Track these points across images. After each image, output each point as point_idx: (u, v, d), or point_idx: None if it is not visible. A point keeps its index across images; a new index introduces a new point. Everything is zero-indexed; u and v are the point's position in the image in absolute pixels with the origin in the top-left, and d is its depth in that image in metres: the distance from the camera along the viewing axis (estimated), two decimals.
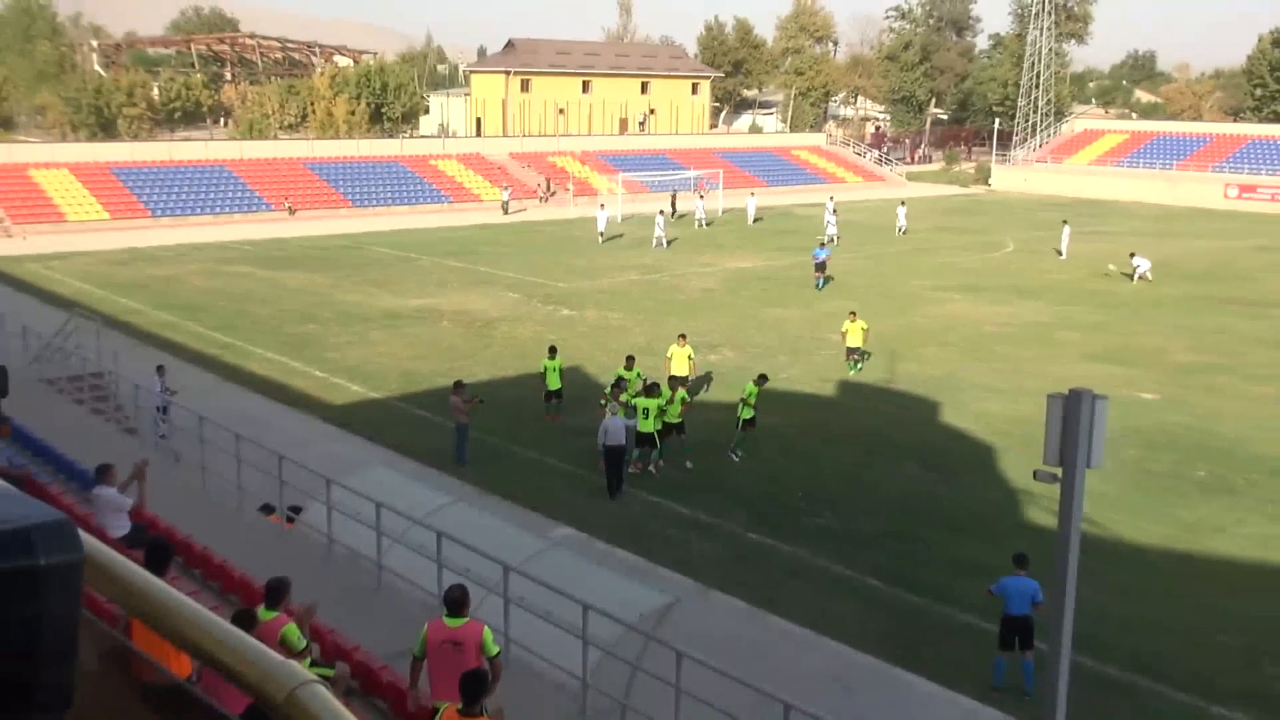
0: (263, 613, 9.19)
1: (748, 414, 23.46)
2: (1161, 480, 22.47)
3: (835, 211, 57.69)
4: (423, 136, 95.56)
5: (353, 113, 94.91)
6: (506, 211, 66.34)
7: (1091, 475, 8.76)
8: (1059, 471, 9.13)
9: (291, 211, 63.79)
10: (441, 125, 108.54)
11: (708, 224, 60.32)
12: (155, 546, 9.74)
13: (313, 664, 9.38)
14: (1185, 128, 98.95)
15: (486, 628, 9.59)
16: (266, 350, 32.13)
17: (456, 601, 9.65)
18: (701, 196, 63.59)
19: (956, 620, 16.31)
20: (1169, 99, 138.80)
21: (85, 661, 1.83)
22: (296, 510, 15.77)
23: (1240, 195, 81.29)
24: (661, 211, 57.22)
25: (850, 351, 30.19)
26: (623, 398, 22.71)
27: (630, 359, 25.57)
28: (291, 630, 9.07)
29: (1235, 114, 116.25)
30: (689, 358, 26.35)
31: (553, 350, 26.52)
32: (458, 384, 23.55)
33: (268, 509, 16.23)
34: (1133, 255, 46.58)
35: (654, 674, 10.69)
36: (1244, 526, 20.10)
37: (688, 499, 20.98)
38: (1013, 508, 20.93)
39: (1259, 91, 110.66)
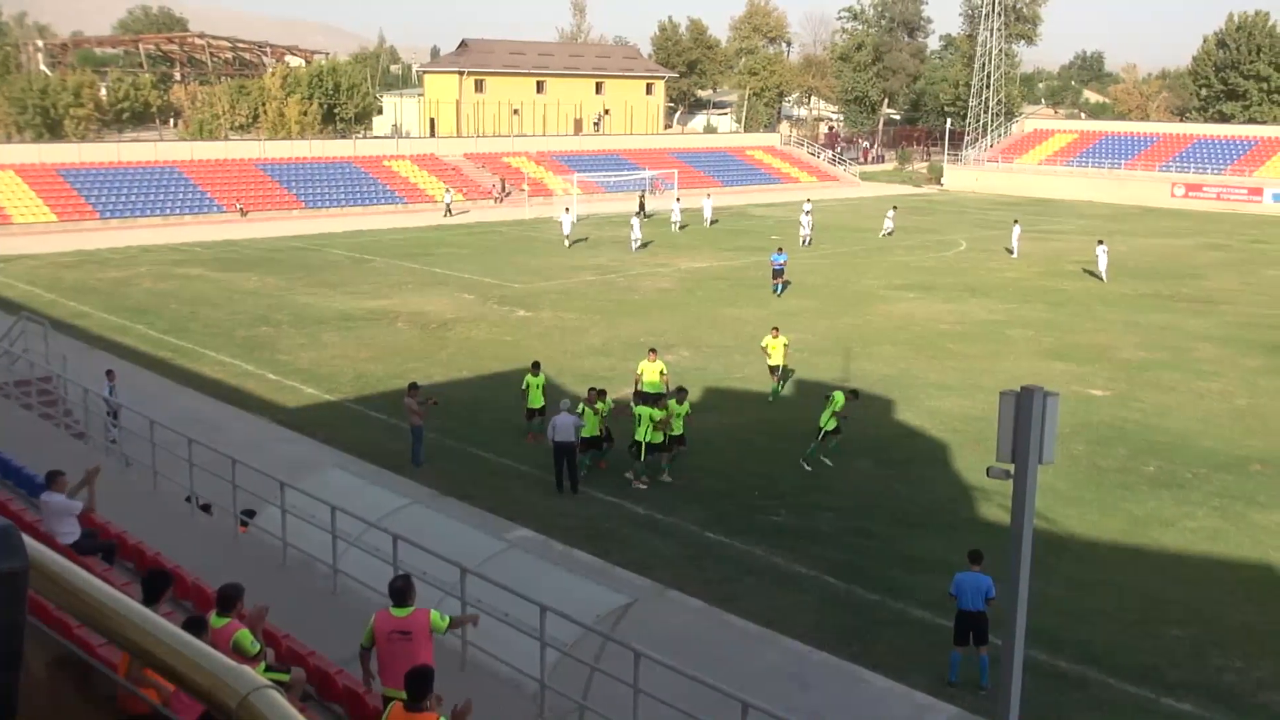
0: (214, 619, 9.09)
1: (830, 424, 22.60)
2: (1111, 475, 22.77)
3: (810, 214, 57.52)
4: (376, 137, 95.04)
5: (305, 113, 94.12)
6: (450, 213, 65.68)
7: (1043, 471, 8.86)
8: (1011, 467, 9.23)
9: (243, 213, 63.19)
10: (395, 126, 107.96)
11: (682, 226, 59.67)
12: (154, 575, 9.56)
13: (268, 669, 9.29)
14: (1133, 128, 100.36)
15: (433, 611, 9.73)
16: (219, 353, 31.81)
17: (400, 591, 9.75)
18: (678, 199, 63.32)
19: (911, 615, 16.44)
20: (1117, 99, 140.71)
21: (33, 669, 1.81)
22: (250, 514, 15.61)
23: (1187, 194, 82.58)
24: (638, 214, 56.87)
25: (772, 370, 28.35)
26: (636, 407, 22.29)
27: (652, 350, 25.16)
28: (244, 636, 8.98)
29: (1181, 114, 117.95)
30: (661, 373, 25.12)
31: (536, 366, 25.32)
32: (413, 386, 23.43)
33: (206, 509, 16.07)
34: (1100, 242, 47.39)
35: (612, 674, 10.69)
36: (1192, 520, 20.42)
37: (644, 499, 21.01)
38: (966, 503, 21.13)
39: (1204, 92, 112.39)
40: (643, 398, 23.54)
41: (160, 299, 39.42)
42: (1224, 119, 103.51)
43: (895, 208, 62.82)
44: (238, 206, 63.65)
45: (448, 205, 66.17)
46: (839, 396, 22.79)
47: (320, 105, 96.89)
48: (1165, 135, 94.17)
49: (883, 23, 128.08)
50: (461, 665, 11.54)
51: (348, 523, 13.49)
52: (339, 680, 10.31)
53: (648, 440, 21.55)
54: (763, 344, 28.45)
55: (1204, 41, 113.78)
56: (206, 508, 16.14)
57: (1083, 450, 23.84)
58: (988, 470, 9.88)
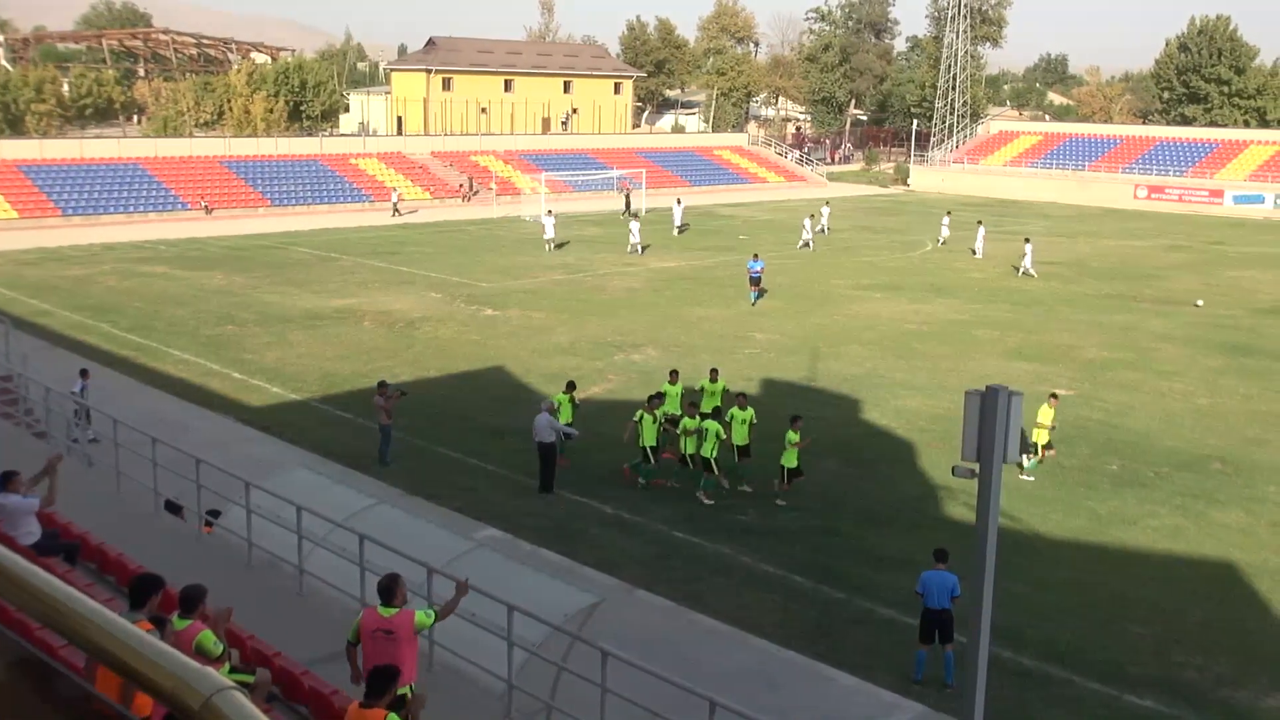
0: (177, 621, 9.01)
1: (793, 461, 21.21)
2: (1075, 474, 22.97)
3: (813, 217, 57.22)
4: (343, 135, 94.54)
5: (271, 110, 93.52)
6: (397, 213, 64.83)
7: (1008, 470, 8.92)
8: (977, 466, 9.29)
9: (208, 211, 62.69)
10: (362, 124, 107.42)
11: (681, 229, 58.79)
12: (142, 580, 9.40)
13: (232, 670, 9.22)
14: (1096, 130, 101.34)
15: (419, 611, 9.75)
16: (183, 352, 31.54)
17: (384, 590, 9.76)
18: (679, 200, 62.62)
19: (878, 614, 16.53)
20: (1080, 101, 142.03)
21: None
22: (215, 514, 15.49)
23: (1149, 196, 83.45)
24: (636, 216, 55.97)
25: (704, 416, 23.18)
26: (659, 411, 21.87)
27: (674, 374, 23.98)
28: (207, 637, 8.91)
29: (1144, 116, 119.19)
30: (679, 395, 23.43)
31: (570, 385, 23.76)
32: (382, 384, 23.33)
33: (173, 508, 15.91)
34: (1026, 241, 48.17)
35: (579, 674, 10.69)
36: (1154, 518, 20.63)
37: (612, 498, 21.01)
38: (932, 502, 21.26)
39: (1166, 95, 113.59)
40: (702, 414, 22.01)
41: (123, 297, 39.04)
42: (1186, 122, 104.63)
43: (828, 203, 63.49)
44: (203, 204, 63.13)
45: (394, 205, 65.50)
46: (792, 434, 21.19)
47: (286, 103, 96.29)
48: (1128, 138, 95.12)
49: (850, 24, 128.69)
50: (429, 665, 11.50)
51: (314, 523, 13.42)
52: (305, 681, 10.24)
53: (695, 454, 21.26)
54: (699, 385, 24.28)
55: (1166, 45, 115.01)
56: (177, 509, 15.99)
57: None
58: (953, 469, 9.94)
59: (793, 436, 20.94)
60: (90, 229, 56.37)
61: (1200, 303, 39.80)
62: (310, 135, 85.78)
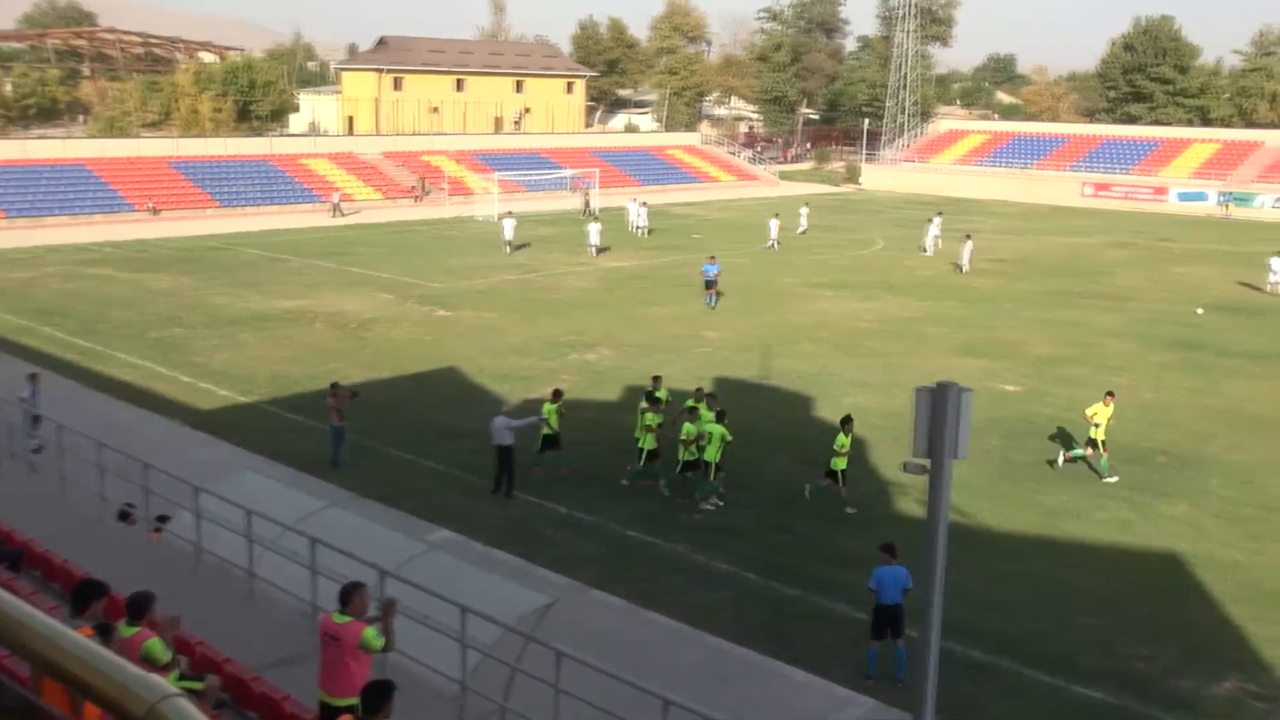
0: (124, 628, 8.91)
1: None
2: (1024, 469, 23.25)
3: (778, 216, 56.95)
4: (292, 135, 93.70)
5: (219, 110, 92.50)
6: (338, 214, 64.04)
7: (958, 465, 9.02)
8: (927, 463, 9.36)
9: (155, 212, 61.87)
10: (312, 124, 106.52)
11: (648, 231, 58.53)
12: (85, 586, 9.24)
13: (181, 677, 9.13)
14: (1043, 128, 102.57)
15: (369, 628, 9.58)
16: (129, 355, 31.12)
17: (342, 596, 9.76)
18: (644, 204, 62.00)
19: (831, 610, 16.64)
20: (1028, 100, 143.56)
21: None
22: (163, 519, 15.31)
23: (1095, 193, 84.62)
24: (595, 217, 55.26)
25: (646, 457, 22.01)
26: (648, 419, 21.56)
27: (657, 379, 23.69)
28: (154, 644, 8.81)
29: (1090, 115, 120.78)
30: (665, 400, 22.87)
31: (557, 393, 22.89)
32: (335, 385, 23.16)
33: (124, 515, 15.71)
34: (967, 237, 48.67)
35: (534, 674, 10.68)
36: (1101, 511, 20.93)
37: (566, 498, 20.99)
38: (884, 499, 21.44)
39: (1112, 93, 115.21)
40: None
41: (68, 300, 38.46)
42: (1130, 120, 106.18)
43: (807, 204, 63.56)
44: (149, 205, 62.29)
45: (335, 205, 64.84)
46: (716, 427, 20.99)
47: (235, 102, 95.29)
48: (1074, 136, 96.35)
49: (800, 24, 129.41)
50: (383, 669, 11.45)
51: (264, 527, 13.31)
52: (255, 687, 10.16)
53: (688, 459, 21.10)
54: (642, 408, 22.46)
55: (1111, 45, 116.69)
56: (127, 516, 15.77)
57: (996, 445, 24.30)
58: (903, 465, 10.03)
59: (843, 441, 20.62)
60: (34, 231, 55.43)
61: (1200, 311, 39.73)
62: (259, 135, 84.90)
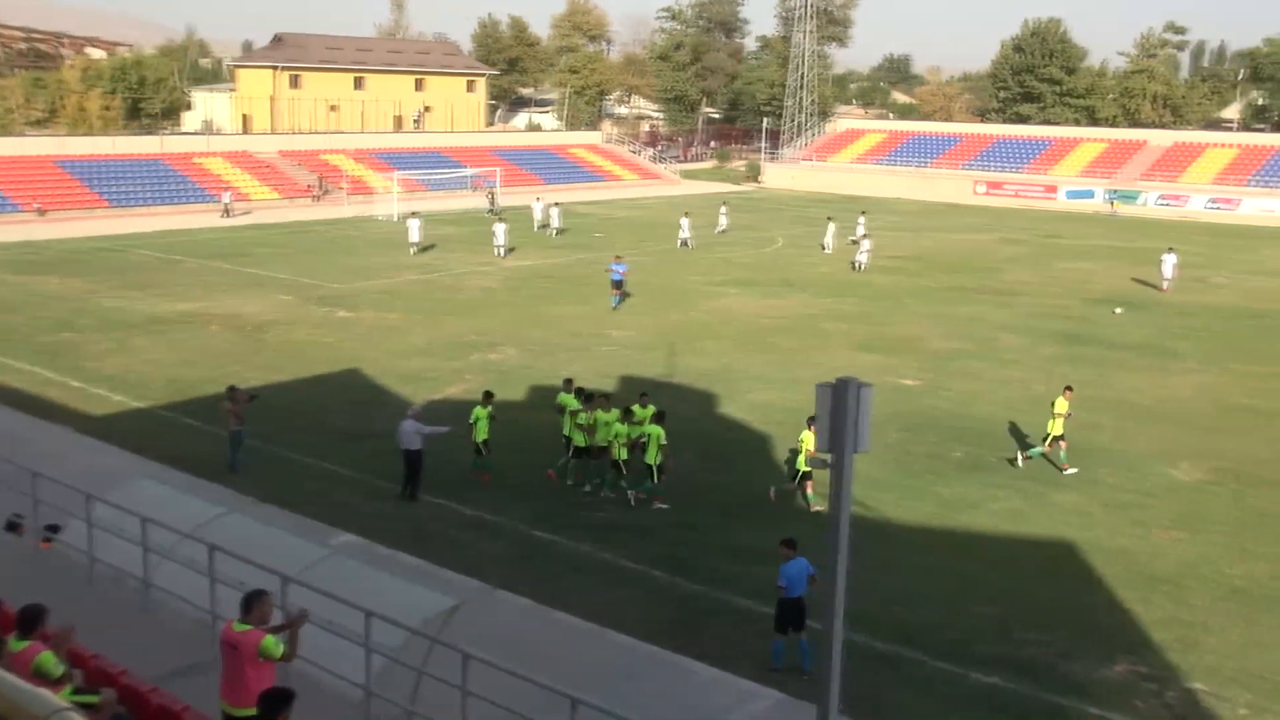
0: (14, 642, 8.66)
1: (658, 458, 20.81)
2: (922, 461, 23.73)
3: (688, 214, 56.92)
4: (185, 133, 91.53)
5: (108, 108, 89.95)
6: (228, 214, 62.78)
7: (859, 459, 9.18)
8: (829, 457, 9.51)
9: (41, 213, 59.99)
10: (205, 122, 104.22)
11: (559, 231, 58.19)
12: (25, 611, 8.97)
13: (76, 691, 8.89)
14: (938, 128, 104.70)
15: (268, 636, 9.45)
16: (17, 360, 30.15)
17: (243, 604, 9.60)
18: (556, 204, 61.43)
19: (736, 605, 16.80)
20: (923, 100, 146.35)
21: None
22: (54, 529, 14.87)
23: (988, 192, 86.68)
24: (500, 217, 53.97)
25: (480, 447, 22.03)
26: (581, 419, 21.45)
27: (569, 381, 23.49)
28: (47, 659, 8.58)
29: (982, 115, 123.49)
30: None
31: (488, 395, 22.60)
32: (231, 389, 22.72)
33: (12, 525, 15.24)
34: (864, 238, 49.47)
35: (440, 677, 10.62)
36: (996, 502, 21.46)
37: (471, 499, 20.88)
38: (787, 493, 21.68)
39: (1003, 94, 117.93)
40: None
41: None
42: (1021, 120, 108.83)
43: (725, 203, 63.96)
44: (35, 206, 60.37)
45: (225, 206, 63.52)
46: (654, 429, 21.01)
47: (124, 100, 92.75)
48: (968, 135, 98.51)
49: (701, 23, 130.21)
50: (285, 676, 11.28)
51: (160, 534, 13.01)
52: (153, 699, 9.93)
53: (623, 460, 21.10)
54: (473, 418, 22.05)
55: (1002, 46, 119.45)
56: (16, 526, 15.29)
57: (896, 438, 24.75)
58: (806, 460, 10.20)
59: (810, 440, 20.34)
60: None
61: (1119, 310, 40.38)
62: (150, 134, 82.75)
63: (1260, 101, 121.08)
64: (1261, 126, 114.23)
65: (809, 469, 20.59)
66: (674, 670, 14.63)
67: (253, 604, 9.57)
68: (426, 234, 51.06)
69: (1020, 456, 23.67)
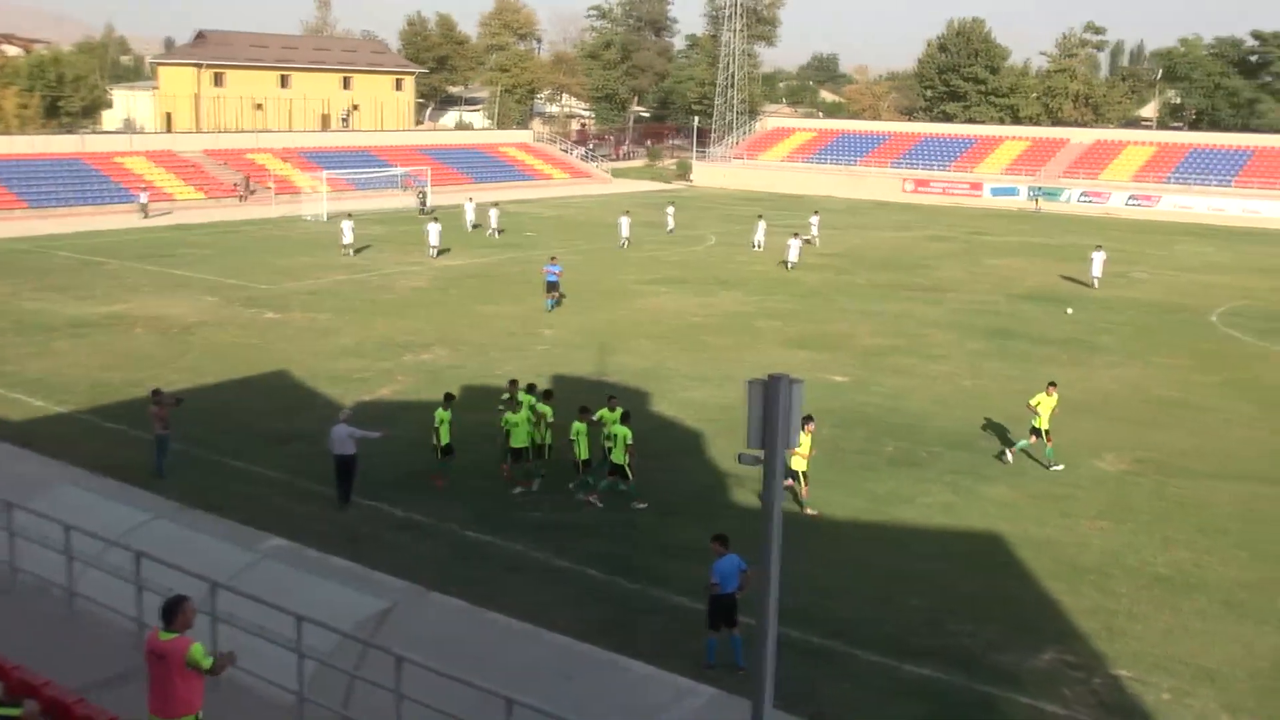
0: None
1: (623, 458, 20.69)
2: (854, 456, 23.96)
3: (629, 213, 56.85)
4: (106, 132, 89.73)
5: (25, 106, 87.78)
6: (146, 214, 61.55)
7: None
8: (761, 453, 9.56)
9: None
10: (127, 120, 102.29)
11: (500, 232, 57.53)
12: None
13: None
14: (866, 126, 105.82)
15: (194, 646, 9.27)
16: None
17: (165, 612, 9.42)
18: (487, 204, 61.04)
19: (671, 602, 16.84)
20: (850, 99, 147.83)
21: None
22: None
23: (916, 189, 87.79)
24: (434, 217, 52.82)
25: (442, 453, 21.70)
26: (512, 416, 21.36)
27: (513, 383, 23.14)
28: None
29: (909, 113, 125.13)
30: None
31: (449, 397, 22.29)
32: (156, 392, 22.29)
33: None
34: (795, 235, 49.81)
35: (374, 681, 10.52)
36: (928, 496, 21.73)
37: (404, 501, 20.69)
38: (721, 490, 21.79)
39: (929, 93, 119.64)
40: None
41: None
42: (947, 118, 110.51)
43: (672, 203, 63.96)
44: None
45: (143, 205, 62.32)
46: (621, 429, 20.96)
47: (42, 98, 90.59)
48: (895, 134, 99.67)
49: (630, 22, 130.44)
50: (215, 683, 11.10)
51: (85, 542, 12.75)
52: (78, 709, 9.73)
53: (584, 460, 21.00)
54: (436, 423, 21.67)
55: (927, 46, 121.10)
56: None
57: (826, 434, 24.90)
58: (739, 457, 10.22)
59: (802, 440, 20.28)
60: None
61: (1070, 310, 40.40)
62: (70, 133, 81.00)
63: (1176, 100, 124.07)
64: (1178, 125, 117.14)
65: (803, 470, 20.65)
66: (610, 669, 14.62)
67: (175, 611, 9.38)
68: (357, 234, 50.50)
69: (1008, 452, 23.88)
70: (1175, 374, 31.94)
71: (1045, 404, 23.63)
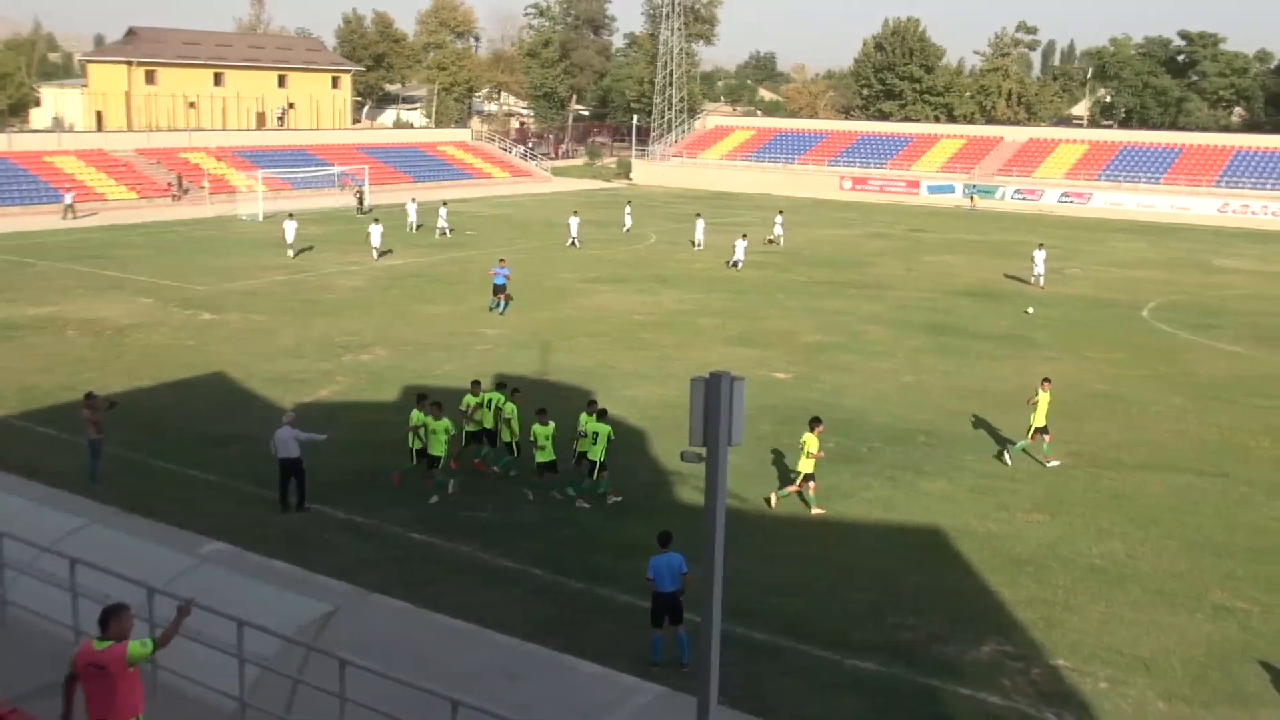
0: None
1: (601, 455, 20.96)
2: (795, 453, 24.06)
3: (576, 212, 56.39)
4: (34, 131, 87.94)
5: None
6: (69, 216, 60.08)
7: (733, 452, 9.28)
8: (704, 451, 9.59)
9: None
10: (56, 119, 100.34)
11: (450, 231, 56.81)
12: None
13: None
14: (804, 125, 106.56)
15: (131, 641, 9.14)
16: None
17: (101, 621, 9.22)
18: (443, 203, 60.40)
19: (616, 601, 16.85)
20: (789, 98, 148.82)
21: None
22: None
23: (854, 187, 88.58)
24: (376, 220, 50.75)
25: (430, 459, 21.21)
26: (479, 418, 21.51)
27: (476, 384, 23.09)
28: None
29: (846, 112, 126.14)
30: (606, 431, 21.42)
31: (429, 401, 21.67)
32: (89, 395, 21.88)
33: None
34: (743, 236, 50.00)
35: (317, 685, 10.41)
36: (869, 491, 21.94)
37: (345, 503, 20.50)
38: (665, 488, 21.84)
39: (865, 91, 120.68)
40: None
41: None
42: (884, 117, 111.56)
43: (630, 202, 63.85)
44: None
45: (67, 206, 60.80)
46: (601, 426, 21.06)
47: None
48: (833, 132, 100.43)
49: (569, 20, 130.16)
50: (154, 691, 10.92)
51: (17, 549, 12.49)
52: (11, 719, 9.54)
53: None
54: (412, 423, 21.29)
55: (864, 45, 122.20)
56: None
57: (769, 430, 25.09)
58: (681, 454, 10.25)
59: (811, 441, 20.69)
60: None
61: (1030, 310, 40.32)
62: None
63: (1107, 99, 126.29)
64: (1109, 123, 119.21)
65: (810, 471, 20.73)
66: (556, 669, 14.58)
67: (111, 619, 9.19)
68: (299, 235, 49.88)
69: (1006, 454, 23.98)
70: (1108, 368, 32.52)
71: (1041, 400, 23.67)
